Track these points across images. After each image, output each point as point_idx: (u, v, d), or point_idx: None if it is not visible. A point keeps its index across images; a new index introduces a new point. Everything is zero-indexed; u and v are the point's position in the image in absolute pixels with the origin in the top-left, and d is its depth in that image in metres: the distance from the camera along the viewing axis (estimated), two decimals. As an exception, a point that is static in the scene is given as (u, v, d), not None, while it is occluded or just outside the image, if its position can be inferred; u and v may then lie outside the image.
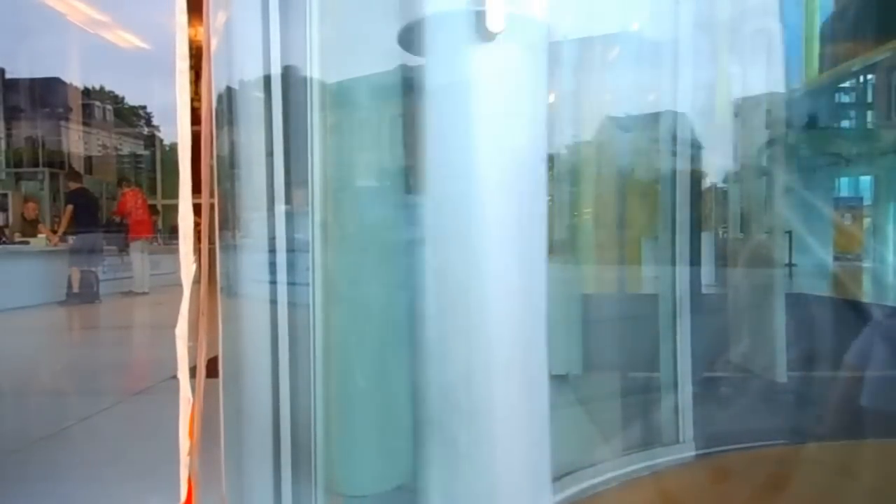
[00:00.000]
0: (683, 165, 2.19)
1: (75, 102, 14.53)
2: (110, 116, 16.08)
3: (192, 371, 0.94)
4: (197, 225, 0.92)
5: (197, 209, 0.91)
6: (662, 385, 2.27)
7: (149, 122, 17.13)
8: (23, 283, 6.92)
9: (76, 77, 14.35)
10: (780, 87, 3.03)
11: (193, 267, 0.90)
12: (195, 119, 0.94)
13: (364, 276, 1.99)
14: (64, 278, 7.32)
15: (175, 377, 0.93)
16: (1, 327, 5.83)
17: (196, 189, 0.90)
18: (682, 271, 2.21)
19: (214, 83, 1.07)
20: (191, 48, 0.94)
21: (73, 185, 8.18)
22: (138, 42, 11.18)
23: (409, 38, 1.44)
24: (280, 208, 1.57)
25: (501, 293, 1.29)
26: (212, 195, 1.02)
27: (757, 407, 2.76)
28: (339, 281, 1.91)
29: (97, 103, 15.49)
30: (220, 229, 1.27)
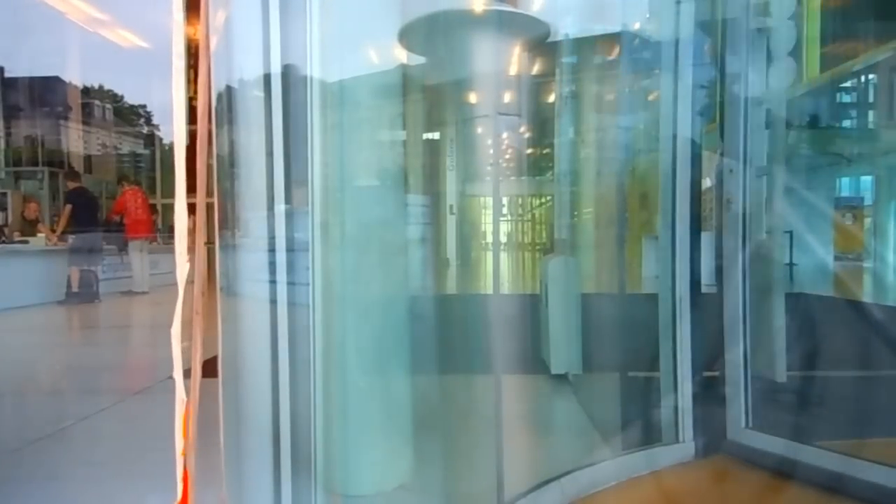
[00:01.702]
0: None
1: (75, 101, 14.51)
2: (110, 115, 16.06)
3: (188, 371, 0.94)
4: (191, 224, 0.91)
5: (192, 208, 0.91)
6: (662, 385, 2.26)
7: (148, 121, 17.12)
8: (22, 283, 6.92)
9: (76, 76, 14.33)
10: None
11: (187, 266, 0.89)
12: (193, 118, 0.93)
13: (364, 276, 1.98)
14: (63, 278, 7.31)
15: (172, 377, 0.93)
16: (0, 327, 5.83)
17: (192, 188, 0.90)
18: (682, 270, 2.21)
19: (214, 82, 1.06)
20: (190, 47, 0.93)
21: (73, 185, 8.18)
22: (138, 41, 11.17)
23: (411, 36, 1.43)
24: (280, 208, 1.56)
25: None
26: (210, 194, 1.02)
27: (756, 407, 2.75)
28: (339, 281, 1.91)
29: (97, 102, 15.47)
30: (220, 229, 1.26)
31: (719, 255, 2.25)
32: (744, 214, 2.24)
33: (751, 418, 2.23)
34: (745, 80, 2.27)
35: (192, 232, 0.92)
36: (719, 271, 2.27)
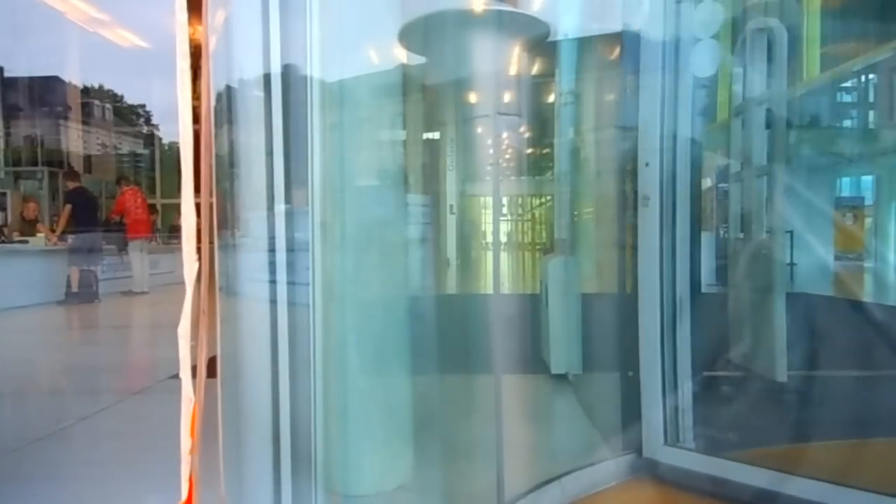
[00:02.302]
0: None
1: (74, 101, 14.51)
2: (109, 115, 16.05)
3: (194, 370, 0.94)
4: (197, 224, 0.91)
5: (196, 209, 0.91)
6: (662, 385, 2.26)
7: (148, 121, 17.11)
8: (21, 283, 6.91)
9: (75, 75, 14.33)
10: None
11: (196, 266, 0.89)
12: (194, 118, 0.93)
13: (364, 276, 1.98)
14: (63, 278, 7.31)
15: (176, 376, 0.93)
16: (0, 327, 5.83)
17: (196, 188, 0.90)
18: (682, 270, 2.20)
19: (213, 82, 1.06)
20: (190, 47, 0.93)
21: (72, 185, 8.17)
22: (137, 40, 11.17)
23: (411, 36, 1.43)
24: (279, 208, 1.56)
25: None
26: (212, 194, 1.02)
27: (757, 406, 2.75)
28: (339, 281, 1.91)
29: (96, 102, 15.47)
30: (220, 229, 1.26)
31: (634, 254, 2.12)
32: (661, 212, 2.08)
33: (669, 432, 2.04)
34: (663, 64, 2.08)
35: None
36: (634, 271, 2.15)
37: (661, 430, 2.06)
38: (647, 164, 2.09)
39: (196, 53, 0.96)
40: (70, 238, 7.50)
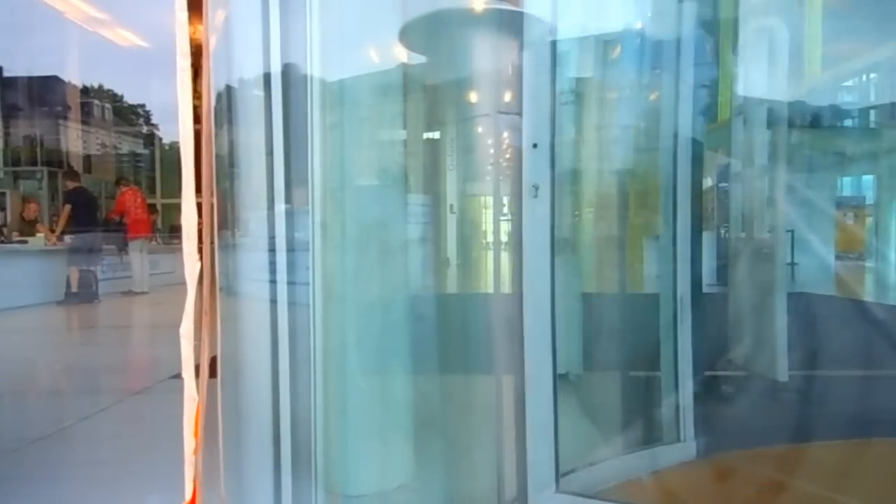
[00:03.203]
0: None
1: (74, 101, 14.50)
2: (109, 115, 16.05)
3: (196, 370, 0.94)
4: (199, 224, 0.91)
5: (197, 209, 0.90)
6: (663, 384, 2.26)
7: (148, 121, 17.11)
8: (21, 283, 6.91)
9: (75, 75, 14.31)
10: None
11: (198, 266, 0.89)
12: (195, 118, 0.93)
13: (364, 276, 1.98)
14: (63, 278, 7.31)
15: (177, 376, 0.92)
16: None
17: (197, 188, 0.90)
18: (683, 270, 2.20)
19: (214, 81, 1.06)
20: (190, 46, 0.93)
21: (72, 185, 8.17)
22: (137, 40, 11.16)
23: (411, 35, 1.43)
24: (280, 207, 1.56)
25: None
26: (212, 194, 1.02)
27: (758, 406, 2.75)
28: (339, 280, 1.91)
29: (96, 101, 15.46)
30: (220, 228, 1.26)
31: (519, 253, 1.88)
32: (552, 203, 1.83)
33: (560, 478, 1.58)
34: (552, 45, 1.98)
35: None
36: (520, 271, 1.90)
37: (553, 470, 1.63)
38: (534, 146, 1.79)
39: (196, 53, 0.96)
40: (70, 238, 7.49)
